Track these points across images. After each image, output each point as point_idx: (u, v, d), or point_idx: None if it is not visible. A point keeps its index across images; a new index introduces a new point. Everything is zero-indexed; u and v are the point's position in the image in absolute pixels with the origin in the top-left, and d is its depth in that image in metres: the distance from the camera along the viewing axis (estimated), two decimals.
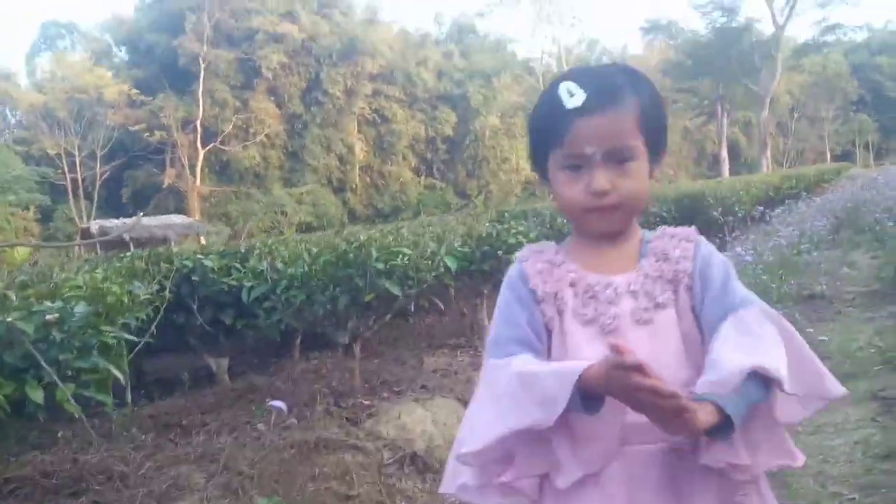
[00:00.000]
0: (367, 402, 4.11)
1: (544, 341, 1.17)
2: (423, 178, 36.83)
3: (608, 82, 1.15)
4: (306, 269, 3.78)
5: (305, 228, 24.72)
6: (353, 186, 34.40)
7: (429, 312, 6.65)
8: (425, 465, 3.81)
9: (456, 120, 36.10)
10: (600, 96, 1.12)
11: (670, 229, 1.22)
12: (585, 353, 1.11)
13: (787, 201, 11.23)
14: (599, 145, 1.11)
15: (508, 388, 1.07)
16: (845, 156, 49.63)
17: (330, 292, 3.73)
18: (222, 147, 31.23)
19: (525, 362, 1.10)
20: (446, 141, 36.64)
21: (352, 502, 3.36)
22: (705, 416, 0.98)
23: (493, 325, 1.23)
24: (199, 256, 4.30)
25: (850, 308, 5.31)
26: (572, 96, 1.13)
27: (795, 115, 48.18)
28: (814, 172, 18.87)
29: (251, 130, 31.60)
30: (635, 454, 1.08)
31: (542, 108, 1.19)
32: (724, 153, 35.63)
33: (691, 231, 1.21)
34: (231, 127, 31.08)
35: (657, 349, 1.10)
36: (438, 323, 6.40)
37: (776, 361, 1.02)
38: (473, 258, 5.05)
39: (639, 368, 0.94)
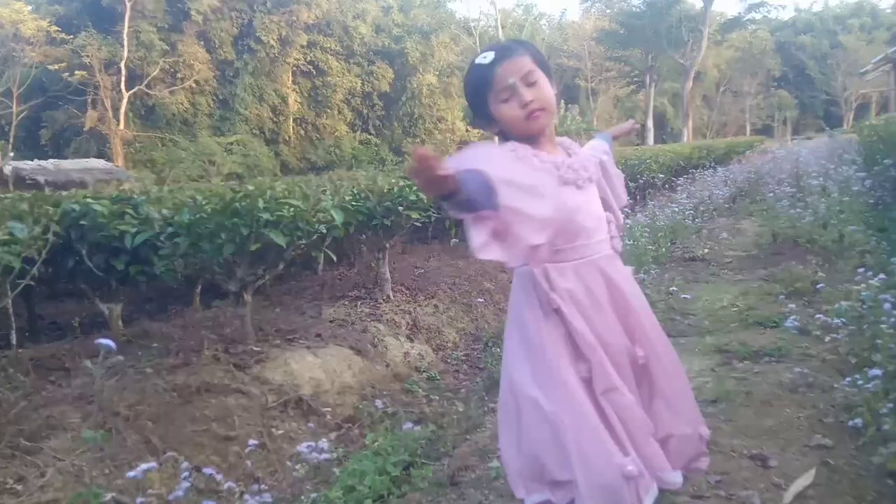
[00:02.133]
0: (256, 349, 4.20)
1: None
2: (358, 133, 36.35)
3: (504, 45, 1.78)
4: (192, 217, 3.81)
5: (235, 179, 24.18)
6: (287, 138, 33.69)
7: (338, 266, 6.73)
8: (310, 409, 3.95)
9: (393, 76, 35.61)
10: (503, 51, 1.72)
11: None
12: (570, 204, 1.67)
13: (693, 171, 11.70)
14: (515, 76, 1.68)
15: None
16: (765, 130, 51.51)
17: (216, 241, 3.78)
18: (148, 91, 29.97)
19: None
20: (383, 97, 36.16)
21: (230, 443, 3.48)
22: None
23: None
24: (88, 200, 4.25)
25: (725, 271, 5.68)
26: (486, 57, 1.72)
27: (721, 89, 49.59)
28: (725, 145, 19.55)
29: (179, 75, 30.38)
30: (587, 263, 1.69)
31: (471, 75, 1.75)
32: (650, 122, 36.47)
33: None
34: (157, 70, 29.79)
35: (596, 198, 1.79)
36: (344, 276, 6.50)
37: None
38: (376, 213, 5.16)
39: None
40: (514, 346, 1.68)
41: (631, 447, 1.58)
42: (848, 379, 2.51)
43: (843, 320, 3.13)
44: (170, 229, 3.84)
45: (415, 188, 5.53)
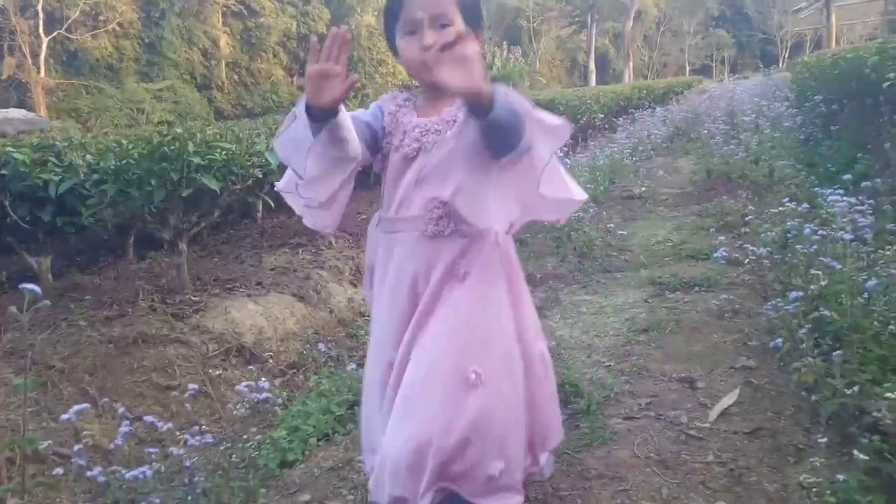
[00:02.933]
0: (195, 299, 4.12)
1: (366, 136, 1.60)
2: (295, 77, 35.30)
3: None
4: (119, 162, 3.67)
5: (166, 126, 23.26)
6: (220, 83, 32.45)
7: (278, 214, 6.62)
8: (252, 356, 3.92)
9: (329, 17, 34.48)
10: None
11: None
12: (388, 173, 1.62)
13: (633, 111, 11.83)
14: (425, 11, 1.51)
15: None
16: (704, 70, 52.20)
17: (146, 187, 3.65)
18: (69, 35, 28.31)
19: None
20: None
21: (171, 392, 3.44)
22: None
23: None
24: (8, 149, 4.04)
25: (661, 208, 5.82)
26: None
27: (661, 29, 49.89)
28: (664, 85, 19.79)
29: (101, 18, 28.73)
30: (406, 238, 1.58)
31: None
32: (592, 64, 36.52)
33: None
34: (78, 13, 28.10)
35: (428, 171, 1.54)
36: (285, 224, 6.40)
37: (530, 117, 1.37)
38: None
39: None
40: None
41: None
42: (770, 303, 2.62)
43: (769, 248, 3.25)
44: (95, 176, 3.69)
45: None
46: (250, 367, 3.77)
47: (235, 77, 33.27)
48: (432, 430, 1.44)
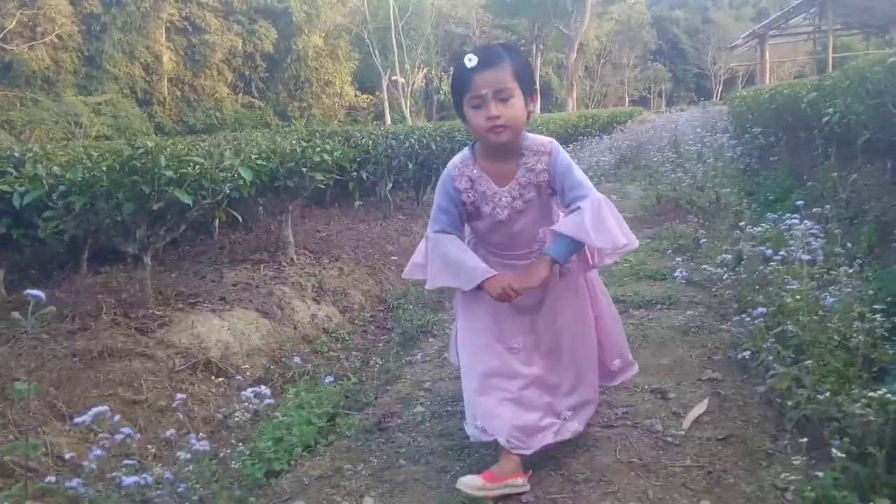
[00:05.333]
0: (158, 313, 4.06)
1: (461, 213, 2.17)
2: (240, 95, 34.88)
3: (492, 51, 1.97)
4: (87, 174, 3.61)
5: (104, 141, 22.58)
6: (161, 99, 31.80)
7: (235, 229, 6.56)
8: (220, 371, 3.88)
9: (276, 36, 34.30)
10: (487, 59, 1.94)
11: (535, 141, 2.10)
12: (483, 226, 2.22)
13: (581, 138, 12.21)
14: (489, 88, 1.91)
15: (436, 260, 2.14)
16: (642, 101, 54.11)
17: (114, 199, 3.61)
18: (4, 45, 27.34)
19: (450, 244, 2.14)
20: (266, 58, 34.78)
21: (139, 407, 3.38)
22: (544, 267, 2.06)
23: (433, 208, 2.19)
24: None
25: None
26: (470, 61, 1.93)
27: (601, 61, 51.57)
28: (608, 114, 20.46)
29: (39, 29, 27.88)
30: (516, 264, 2.21)
31: (454, 75, 2.02)
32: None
33: (548, 143, 2.11)
34: (14, 23, 27.20)
35: (525, 224, 2.15)
36: (243, 240, 6.35)
37: (581, 231, 2.00)
38: (278, 174, 5.07)
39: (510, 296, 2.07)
40: None
41: None
42: (735, 318, 2.78)
43: (725, 269, 3.44)
44: (61, 188, 3.62)
45: (318, 149, 5.48)
46: (219, 379, 3.74)
47: (178, 93, 32.66)
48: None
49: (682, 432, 2.36)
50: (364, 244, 6.44)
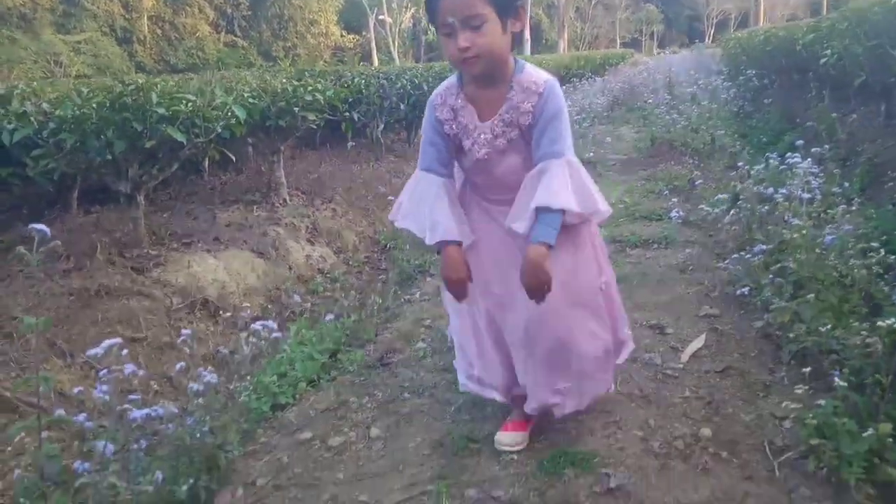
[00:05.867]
0: (153, 253, 4.04)
1: (450, 146, 1.89)
2: (222, 34, 33.96)
3: None
4: (77, 111, 3.53)
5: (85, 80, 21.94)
6: (142, 38, 30.91)
7: (225, 170, 6.48)
8: (217, 310, 3.89)
9: None
10: None
11: (529, 76, 1.80)
12: (464, 163, 1.93)
13: (574, 80, 12.06)
14: (456, 15, 1.64)
15: (412, 199, 1.90)
16: (633, 43, 53.30)
17: (105, 137, 3.54)
18: None
19: (430, 186, 1.87)
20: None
21: (138, 345, 3.39)
22: (540, 261, 1.72)
23: (422, 140, 1.93)
24: None
25: (610, 172, 6.03)
26: None
27: (593, 2, 50.54)
28: (601, 56, 20.17)
29: None
30: (503, 210, 1.88)
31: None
32: (527, 33, 36.66)
33: (542, 84, 1.80)
34: None
35: (507, 167, 1.84)
36: (234, 181, 6.28)
37: (558, 198, 1.70)
38: (269, 113, 4.98)
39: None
40: None
41: None
42: (734, 256, 2.81)
43: (722, 209, 3.46)
44: (51, 125, 3.54)
45: (310, 88, 5.38)
46: (218, 317, 3.75)
47: (158, 31, 31.74)
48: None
49: (681, 365, 2.41)
50: (357, 185, 6.40)
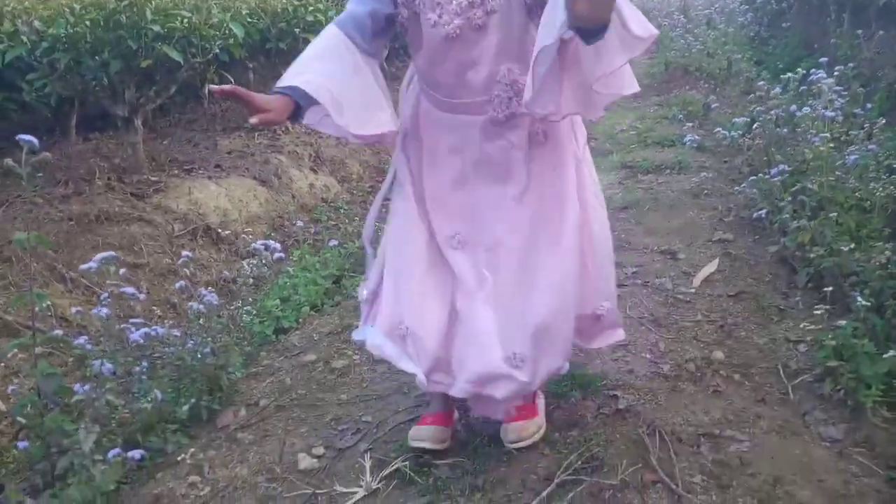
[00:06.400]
0: (153, 179, 3.97)
1: (388, 14, 1.46)
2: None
3: None
4: (71, 29, 3.39)
5: None
6: None
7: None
8: (219, 237, 3.83)
9: None
10: None
11: None
12: (425, 50, 1.44)
13: None
14: None
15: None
16: None
17: (101, 57, 3.41)
18: None
19: (323, 38, 1.46)
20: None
21: (140, 270, 3.36)
22: None
23: None
24: None
25: (621, 98, 5.84)
26: None
27: None
28: None
29: None
30: (472, 121, 1.48)
31: None
32: None
33: None
34: None
35: (484, 51, 1.41)
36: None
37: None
38: (269, 35, 4.81)
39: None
40: None
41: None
42: (751, 179, 2.71)
43: (739, 132, 3.33)
44: (44, 45, 3.41)
45: (311, 8, 5.18)
46: (220, 251, 3.70)
47: None
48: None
49: (693, 290, 2.35)
50: None
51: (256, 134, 5.25)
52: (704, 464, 1.47)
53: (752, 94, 3.68)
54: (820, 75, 2.64)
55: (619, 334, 1.70)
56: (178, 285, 2.12)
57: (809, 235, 2.17)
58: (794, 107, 2.73)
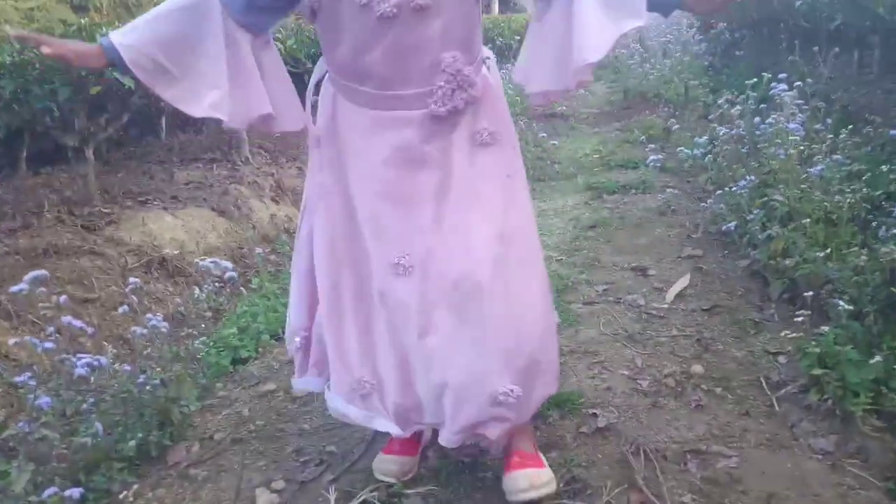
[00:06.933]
0: (105, 211, 3.82)
1: None
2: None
3: None
4: (17, 57, 3.26)
5: None
6: (98, 5, 29.80)
7: (184, 129, 6.21)
8: (176, 270, 3.69)
9: None
10: None
11: None
12: (350, 36, 1.25)
13: None
14: None
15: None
16: None
17: (49, 85, 3.28)
18: None
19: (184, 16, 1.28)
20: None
21: (91, 305, 3.19)
22: None
23: None
24: None
25: (583, 125, 5.89)
26: None
27: None
28: None
29: None
30: (405, 116, 1.29)
31: None
32: None
33: None
34: None
35: (422, 38, 1.24)
36: (194, 140, 6.01)
37: None
38: None
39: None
40: None
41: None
42: (717, 193, 2.69)
43: (702, 150, 3.33)
44: None
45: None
46: (177, 284, 3.55)
47: None
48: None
49: (666, 305, 2.29)
50: None
51: (215, 165, 5.13)
52: (693, 482, 1.38)
53: (712, 115, 3.70)
54: (782, 87, 2.65)
55: (553, 388, 1.42)
56: (121, 309, 1.98)
57: (782, 244, 2.14)
58: (757, 119, 2.73)
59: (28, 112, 3.47)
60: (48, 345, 1.83)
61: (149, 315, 1.86)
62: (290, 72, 4.70)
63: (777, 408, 1.63)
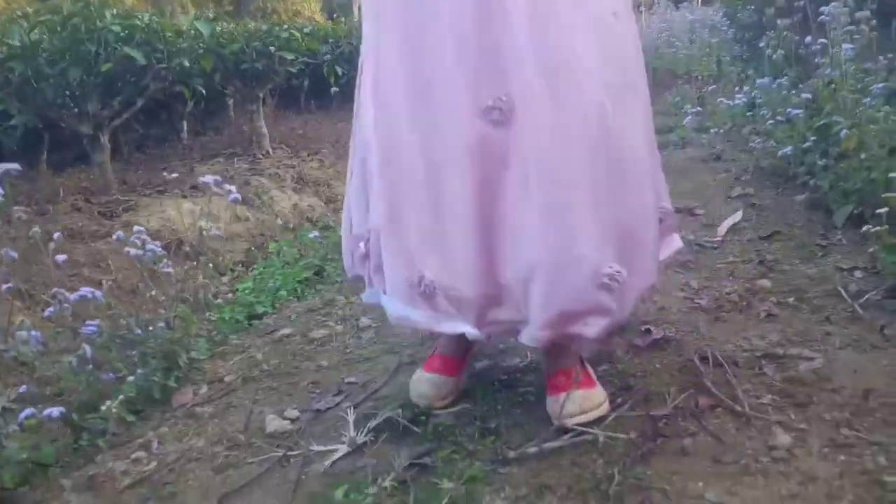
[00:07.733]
0: (123, 199, 3.73)
1: None
2: None
3: None
4: (26, 38, 3.20)
5: None
6: None
7: (205, 131, 6.18)
8: (197, 253, 3.57)
9: None
10: None
11: None
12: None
13: None
14: None
15: None
16: None
17: (59, 65, 3.20)
18: None
19: None
20: None
21: (107, 288, 3.08)
22: None
23: None
24: None
25: None
26: None
27: None
28: None
29: None
30: None
31: None
32: None
33: None
34: None
35: None
36: (215, 139, 5.95)
37: None
38: (244, 55, 4.65)
39: None
40: None
41: None
42: (770, 122, 2.48)
43: (745, 98, 3.12)
44: None
45: (286, 26, 5.04)
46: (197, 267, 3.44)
47: None
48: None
49: (719, 238, 2.08)
50: (344, 140, 6.06)
51: (236, 159, 5.04)
52: (772, 384, 1.17)
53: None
54: (837, 3, 2.40)
55: (678, 241, 1.36)
56: (127, 251, 1.83)
57: (856, 138, 1.90)
58: (808, 38, 2.50)
59: (41, 98, 3.40)
60: (49, 310, 1.70)
61: (146, 238, 1.71)
62: (309, 62, 4.58)
63: (861, 312, 1.41)
